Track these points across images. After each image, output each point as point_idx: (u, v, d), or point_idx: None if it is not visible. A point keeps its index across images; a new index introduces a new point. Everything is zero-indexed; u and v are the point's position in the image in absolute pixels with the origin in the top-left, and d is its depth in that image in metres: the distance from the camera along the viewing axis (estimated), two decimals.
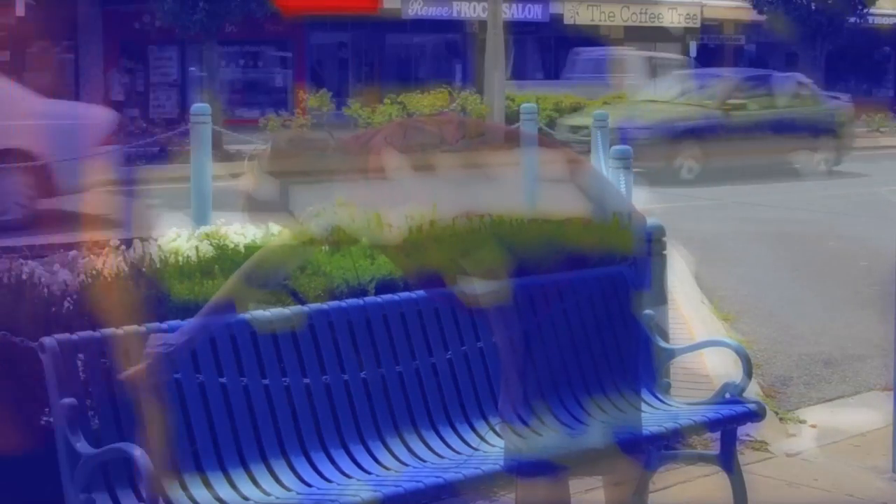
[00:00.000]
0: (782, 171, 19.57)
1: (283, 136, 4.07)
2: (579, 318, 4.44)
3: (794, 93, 21.35)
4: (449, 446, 4.15)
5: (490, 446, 4.18)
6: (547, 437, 4.04)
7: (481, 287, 3.97)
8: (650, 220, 4.56)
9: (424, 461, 4.04)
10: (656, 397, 4.62)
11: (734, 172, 18.78)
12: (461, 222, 4.16)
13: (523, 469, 3.93)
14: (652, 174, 16.18)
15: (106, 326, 3.79)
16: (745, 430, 5.47)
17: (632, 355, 4.53)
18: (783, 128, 19.99)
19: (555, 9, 31.87)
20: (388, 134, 3.92)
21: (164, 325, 3.80)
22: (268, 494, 3.71)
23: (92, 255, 5.37)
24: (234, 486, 3.70)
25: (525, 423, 3.99)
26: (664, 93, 21.34)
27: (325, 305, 4.17)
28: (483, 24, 24.08)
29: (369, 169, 3.83)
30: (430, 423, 4.18)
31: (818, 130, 20.56)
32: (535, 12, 31.59)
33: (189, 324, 3.76)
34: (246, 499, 3.67)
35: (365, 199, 3.84)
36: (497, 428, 4.17)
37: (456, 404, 4.26)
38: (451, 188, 3.92)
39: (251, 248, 5.11)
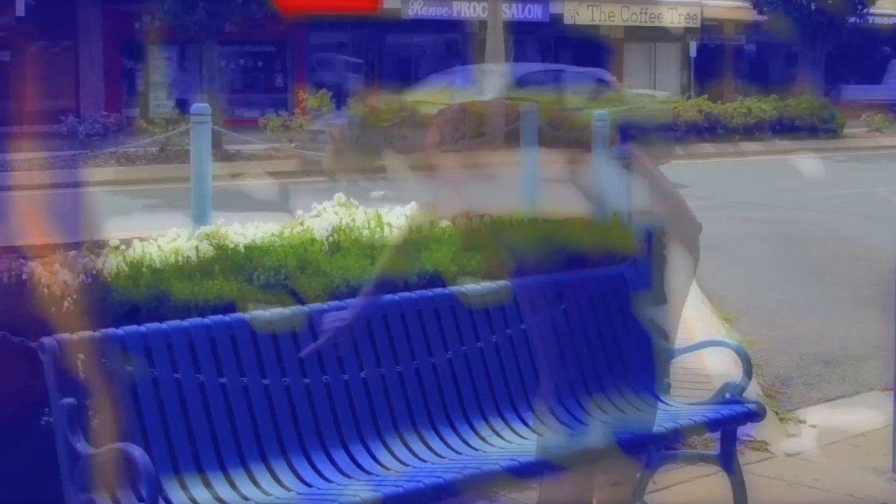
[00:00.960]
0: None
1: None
2: (579, 318, 4.45)
3: (595, 91, 19.22)
4: (449, 446, 4.14)
5: (490, 446, 4.18)
6: (548, 436, 4.08)
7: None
8: (650, 221, 4.56)
9: (424, 461, 4.04)
10: (656, 397, 4.62)
11: None
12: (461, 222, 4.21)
13: (529, 467, 3.95)
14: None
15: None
16: (745, 430, 5.47)
17: (632, 355, 4.54)
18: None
19: (555, 9, 31.88)
20: (446, 122, 4.04)
21: (332, 305, 4.11)
22: (268, 494, 3.71)
23: (92, 255, 5.36)
24: (234, 486, 3.70)
25: (557, 418, 4.09)
26: (436, 91, 18.26)
27: (325, 305, 4.17)
28: (483, 24, 24.06)
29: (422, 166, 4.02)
30: (430, 423, 4.18)
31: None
32: (535, 12, 31.59)
33: (356, 302, 4.11)
34: (246, 499, 3.67)
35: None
36: (531, 422, 4.24)
37: (456, 404, 4.26)
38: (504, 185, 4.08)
39: (251, 248, 5.11)
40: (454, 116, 4.23)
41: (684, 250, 4.59)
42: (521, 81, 18.93)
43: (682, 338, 7.09)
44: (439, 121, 4.18)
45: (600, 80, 20.13)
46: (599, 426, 4.24)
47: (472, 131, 4.21)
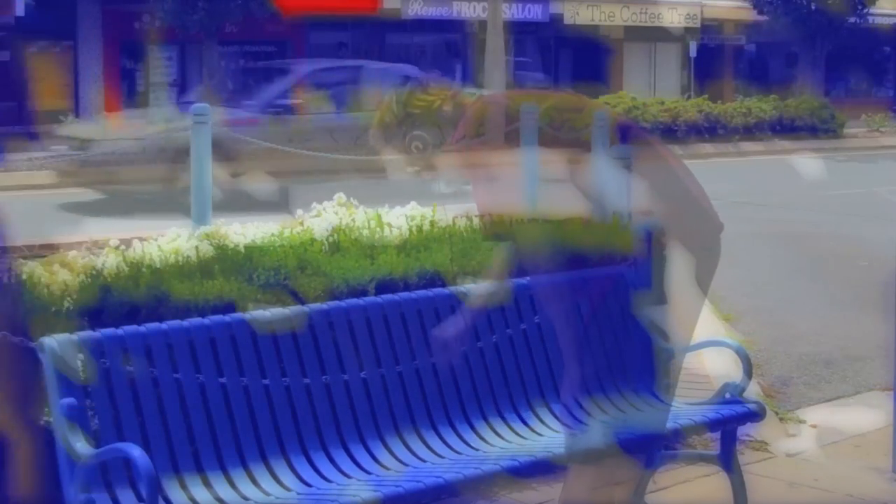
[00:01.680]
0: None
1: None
2: (579, 318, 4.46)
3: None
4: (449, 446, 4.15)
5: (490, 446, 4.18)
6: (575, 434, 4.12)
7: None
8: (650, 221, 4.55)
9: (424, 461, 4.04)
10: (656, 397, 4.62)
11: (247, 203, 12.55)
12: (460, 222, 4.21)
13: (529, 467, 3.96)
14: (141, 201, 13.59)
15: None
16: (745, 430, 5.47)
17: (632, 355, 4.54)
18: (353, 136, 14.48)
19: (555, 9, 31.85)
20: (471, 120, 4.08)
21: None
22: (268, 494, 3.71)
23: (92, 255, 5.36)
24: (234, 486, 3.70)
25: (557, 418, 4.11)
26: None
27: (325, 305, 4.17)
28: (483, 24, 24.06)
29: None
30: (430, 423, 4.18)
31: None
32: (535, 12, 31.57)
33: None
34: (246, 499, 3.67)
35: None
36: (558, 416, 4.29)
37: (456, 404, 4.26)
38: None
39: (251, 248, 5.10)
40: (480, 111, 4.24)
41: (702, 250, 4.51)
42: (308, 79, 17.22)
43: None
44: (468, 115, 4.20)
45: (408, 77, 18.03)
46: (600, 426, 4.24)
47: (473, 131, 4.21)
